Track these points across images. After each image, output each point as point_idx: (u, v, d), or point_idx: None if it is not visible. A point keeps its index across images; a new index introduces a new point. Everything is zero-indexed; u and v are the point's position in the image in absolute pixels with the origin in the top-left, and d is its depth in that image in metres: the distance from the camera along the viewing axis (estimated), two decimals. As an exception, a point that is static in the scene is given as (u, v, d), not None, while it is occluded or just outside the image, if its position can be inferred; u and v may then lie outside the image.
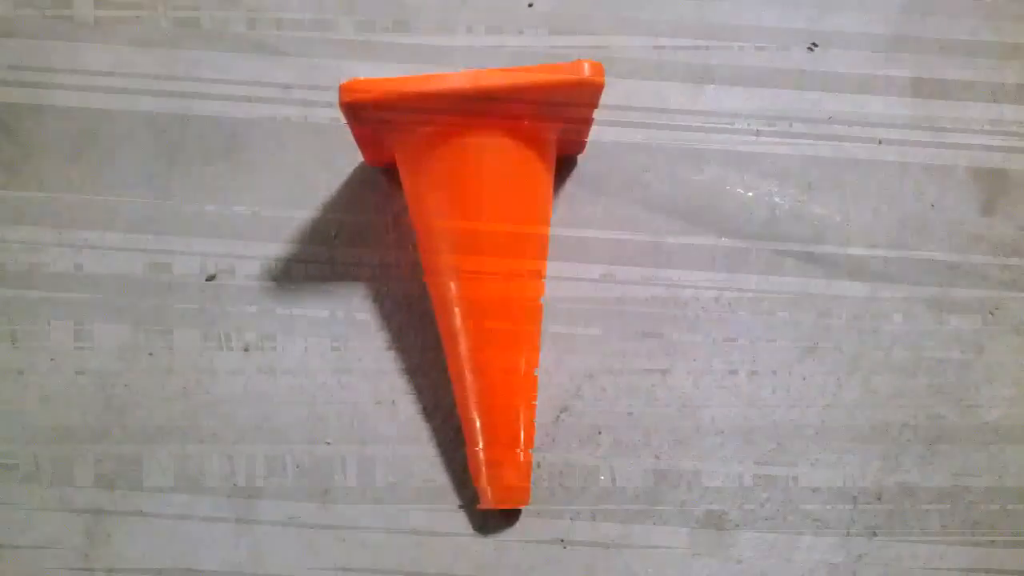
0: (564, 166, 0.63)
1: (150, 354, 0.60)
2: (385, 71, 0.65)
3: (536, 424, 0.58)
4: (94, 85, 0.64)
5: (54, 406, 0.59)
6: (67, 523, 0.58)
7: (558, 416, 0.59)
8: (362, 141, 0.58)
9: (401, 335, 0.60)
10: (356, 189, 0.62)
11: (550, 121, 0.56)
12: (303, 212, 0.62)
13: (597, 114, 0.57)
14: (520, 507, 0.57)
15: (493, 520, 0.58)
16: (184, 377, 0.60)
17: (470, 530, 0.57)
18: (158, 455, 0.59)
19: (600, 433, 0.59)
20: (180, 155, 0.63)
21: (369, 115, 0.54)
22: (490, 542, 0.57)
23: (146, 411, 0.59)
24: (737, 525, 0.58)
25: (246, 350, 0.60)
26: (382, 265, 0.61)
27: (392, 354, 0.60)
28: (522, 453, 0.56)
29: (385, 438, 0.59)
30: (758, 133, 0.64)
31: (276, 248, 0.62)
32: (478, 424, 0.56)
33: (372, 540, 0.57)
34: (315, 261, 0.61)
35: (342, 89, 0.52)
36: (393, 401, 0.59)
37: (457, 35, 0.66)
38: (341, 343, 0.60)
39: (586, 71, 0.52)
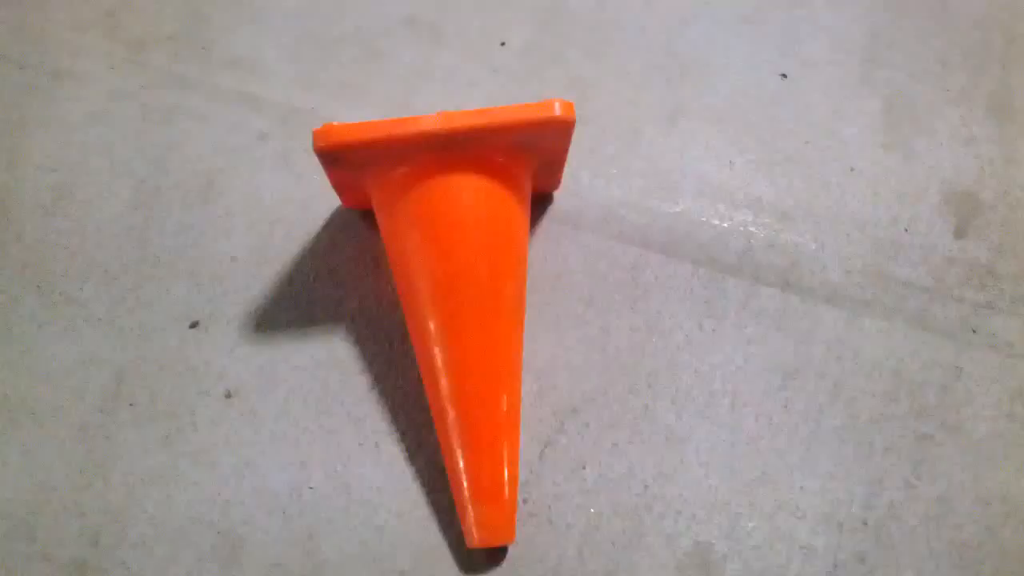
0: (540, 202, 0.64)
1: (131, 404, 0.60)
2: (361, 115, 0.65)
3: (520, 460, 0.58)
4: (71, 137, 0.65)
5: (35, 459, 0.59)
6: (51, 578, 0.57)
7: (542, 452, 0.59)
8: (338, 185, 0.58)
9: (382, 376, 0.60)
10: (334, 232, 0.63)
11: (524, 159, 0.57)
12: (282, 256, 0.62)
13: (571, 150, 0.58)
14: (506, 545, 0.57)
15: (479, 559, 0.57)
16: (166, 425, 0.59)
17: (457, 570, 0.57)
18: (141, 505, 0.58)
19: (584, 467, 0.59)
20: (158, 202, 0.63)
21: (343, 160, 0.54)
22: (478, 582, 0.57)
23: (128, 461, 0.59)
24: (725, 555, 0.57)
25: (228, 396, 0.60)
26: (361, 307, 0.61)
27: (374, 395, 0.60)
28: (507, 490, 0.56)
29: (369, 480, 0.59)
30: (731, 164, 0.65)
31: (255, 293, 0.62)
32: (461, 463, 0.56)
33: (359, 584, 0.57)
34: (295, 305, 0.62)
35: (316, 135, 0.53)
36: (376, 443, 0.59)
37: (432, 76, 0.67)
38: (322, 386, 0.60)
39: (557, 110, 0.53)
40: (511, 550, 0.57)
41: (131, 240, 0.63)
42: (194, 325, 0.61)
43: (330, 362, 0.60)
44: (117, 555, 0.57)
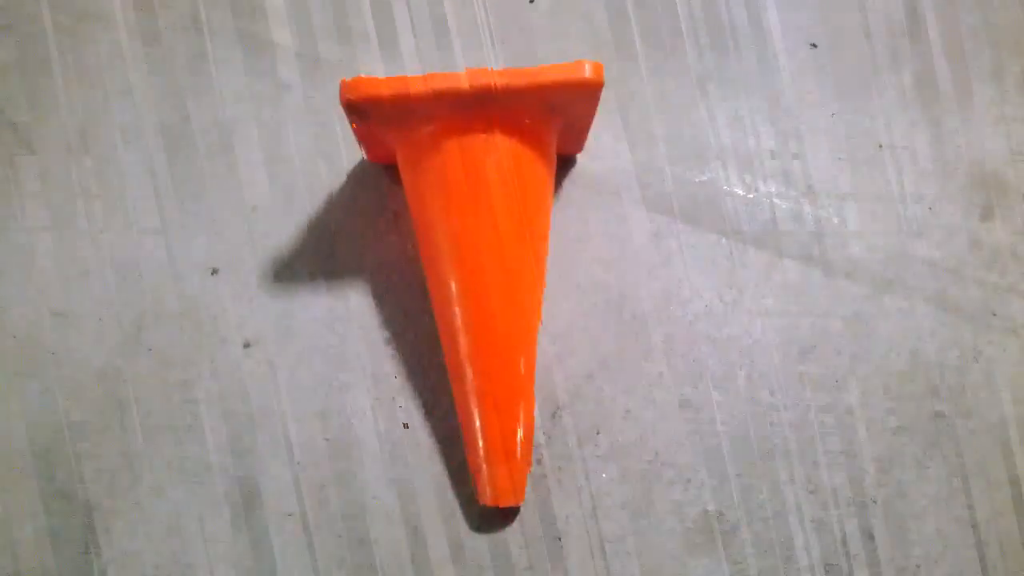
0: (564, 165, 0.63)
1: (149, 349, 0.60)
2: (385, 68, 0.65)
3: (534, 423, 0.58)
4: (96, 79, 0.64)
5: (56, 401, 0.59)
6: (68, 516, 0.58)
7: (556, 415, 0.59)
8: (363, 138, 0.58)
9: (400, 333, 0.60)
10: (357, 186, 0.63)
11: (550, 120, 0.56)
12: (303, 208, 0.62)
13: (597, 113, 0.57)
14: (517, 505, 0.57)
15: (491, 517, 0.58)
16: (184, 372, 0.60)
17: (468, 527, 0.58)
18: (158, 449, 0.59)
19: (598, 432, 0.59)
20: (181, 150, 0.63)
21: (369, 113, 0.54)
22: (488, 539, 0.58)
23: (146, 406, 0.59)
24: (734, 525, 0.58)
25: (246, 346, 0.60)
26: (381, 262, 0.61)
27: (391, 352, 0.60)
28: (520, 451, 0.56)
29: (383, 435, 0.59)
30: (758, 134, 0.64)
31: (275, 243, 0.62)
32: (477, 422, 0.56)
33: (370, 536, 0.57)
34: (315, 257, 0.61)
35: (344, 86, 0.52)
36: (392, 398, 0.59)
37: (458, 33, 0.66)
38: (340, 339, 0.60)
39: (587, 71, 0.52)
40: (522, 510, 0.58)
41: (153, 185, 0.62)
42: (214, 272, 0.61)
43: (348, 315, 0.60)
44: (132, 496, 0.58)
